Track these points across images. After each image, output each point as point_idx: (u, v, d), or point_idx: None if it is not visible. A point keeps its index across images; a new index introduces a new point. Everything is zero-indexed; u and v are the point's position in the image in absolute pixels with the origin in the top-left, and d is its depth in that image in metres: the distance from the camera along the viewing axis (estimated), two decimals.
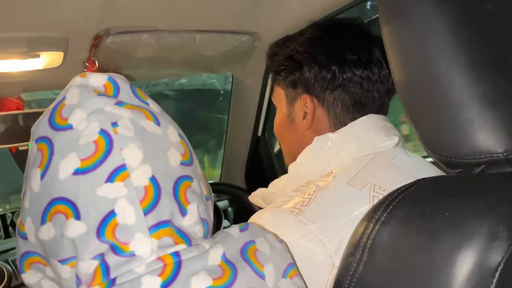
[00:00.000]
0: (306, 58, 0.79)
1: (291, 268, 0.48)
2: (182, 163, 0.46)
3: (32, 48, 0.94)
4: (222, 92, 1.96)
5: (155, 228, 0.42)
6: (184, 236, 0.44)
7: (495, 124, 0.42)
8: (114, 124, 0.43)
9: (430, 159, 0.53)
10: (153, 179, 0.43)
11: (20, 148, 1.19)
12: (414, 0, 0.46)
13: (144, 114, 0.46)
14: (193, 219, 0.45)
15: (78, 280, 0.43)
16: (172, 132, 0.47)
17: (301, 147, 0.80)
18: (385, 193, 0.65)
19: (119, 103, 0.45)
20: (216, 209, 1.40)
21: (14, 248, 1.35)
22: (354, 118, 0.78)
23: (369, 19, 1.24)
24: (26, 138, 1.16)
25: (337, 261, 0.63)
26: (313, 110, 0.79)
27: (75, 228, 0.41)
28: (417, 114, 0.47)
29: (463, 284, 0.37)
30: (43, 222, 0.43)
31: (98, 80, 0.46)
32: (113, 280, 0.40)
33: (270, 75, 1.42)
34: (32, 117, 1.16)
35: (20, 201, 0.47)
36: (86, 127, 0.43)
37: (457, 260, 0.37)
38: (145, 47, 1.09)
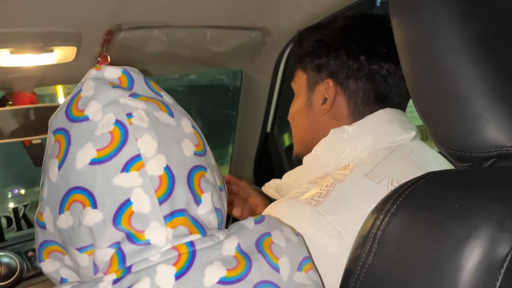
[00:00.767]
0: (336, 44, 0.80)
1: (307, 261, 0.48)
2: (195, 154, 0.47)
3: (46, 43, 0.96)
4: (231, 88, 1.97)
5: (170, 217, 0.43)
6: (199, 226, 0.44)
7: (504, 118, 0.42)
8: (129, 115, 0.44)
9: None
10: (167, 169, 0.44)
11: (34, 142, 1.20)
12: None
13: (158, 105, 0.47)
14: (208, 208, 0.46)
15: (96, 268, 0.43)
16: (185, 123, 0.48)
17: (314, 133, 0.81)
18: None
19: (134, 95, 0.46)
20: None
21: (26, 241, 1.37)
22: (373, 110, 0.78)
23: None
24: (39, 131, 1.18)
25: None
26: (334, 96, 0.79)
27: (92, 217, 0.42)
28: (427, 107, 0.48)
29: (471, 274, 0.38)
30: (61, 211, 0.44)
31: (113, 72, 0.47)
32: (129, 268, 0.41)
33: (280, 71, 1.43)
34: (45, 111, 1.18)
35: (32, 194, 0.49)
36: (101, 118, 0.44)
37: (465, 251, 0.38)
38: (156, 42, 1.10)
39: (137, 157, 0.43)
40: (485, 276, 0.37)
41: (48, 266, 0.48)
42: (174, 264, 0.41)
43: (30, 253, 1.29)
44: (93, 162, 0.42)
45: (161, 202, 0.43)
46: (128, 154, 0.43)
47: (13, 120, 1.17)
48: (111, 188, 0.42)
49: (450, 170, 0.48)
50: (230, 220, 1.41)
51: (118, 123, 0.43)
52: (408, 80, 0.50)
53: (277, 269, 0.44)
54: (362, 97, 0.79)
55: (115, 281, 0.40)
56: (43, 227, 0.47)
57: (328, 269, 0.57)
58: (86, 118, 0.44)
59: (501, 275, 0.37)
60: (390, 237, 0.44)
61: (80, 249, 0.44)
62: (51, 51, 1.00)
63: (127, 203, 0.42)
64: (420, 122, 0.51)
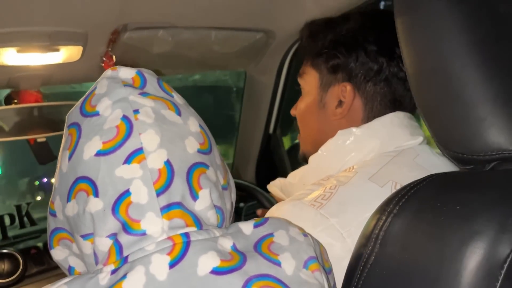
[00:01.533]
0: (356, 46, 0.77)
1: (313, 261, 0.47)
2: (199, 151, 0.48)
3: (52, 42, 0.96)
4: (235, 89, 1.98)
5: (166, 209, 0.44)
6: (195, 220, 0.45)
7: (507, 122, 0.43)
8: (136, 111, 0.46)
9: None
10: (167, 163, 0.45)
11: (38, 140, 1.21)
12: None
13: (166, 104, 0.49)
14: (205, 204, 0.46)
15: (96, 258, 0.45)
16: (192, 122, 0.50)
17: (325, 135, 0.79)
18: None
19: (144, 94, 0.48)
20: None
21: (29, 239, 1.38)
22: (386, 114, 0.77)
23: None
24: (44, 130, 1.19)
25: None
26: (352, 101, 0.78)
27: (94, 205, 0.44)
28: (430, 110, 0.48)
29: (472, 274, 0.38)
30: (68, 199, 0.46)
31: (127, 73, 0.50)
32: (126, 258, 0.43)
33: (283, 73, 1.44)
34: (51, 110, 1.19)
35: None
36: (110, 113, 0.46)
37: (467, 252, 0.39)
38: (162, 43, 1.11)
39: (139, 150, 0.45)
40: (486, 277, 0.38)
41: (58, 253, 0.50)
42: (169, 254, 0.42)
43: (33, 251, 1.30)
44: (99, 153, 0.45)
45: (158, 194, 0.44)
46: (131, 147, 0.45)
47: (18, 118, 1.18)
48: (112, 178, 0.44)
49: (452, 172, 0.49)
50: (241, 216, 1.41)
51: (124, 118, 0.46)
52: (411, 82, 0.51)
53: (277, 264, 0.44)
54: (379, 101, 0.78)
55: (113, 271, 0.42)
56: (54, 215, 0.49)
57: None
58: (97, 113, 0.47)
59: (502, 276, 0.37)
60: (392, 237, 0.45)
61: (84, 236, 0.46)
62: (57, 50, 1.00)
63: (126, 193, 0.44)
64: None
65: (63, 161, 0.48)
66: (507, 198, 0.40)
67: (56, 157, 1.28)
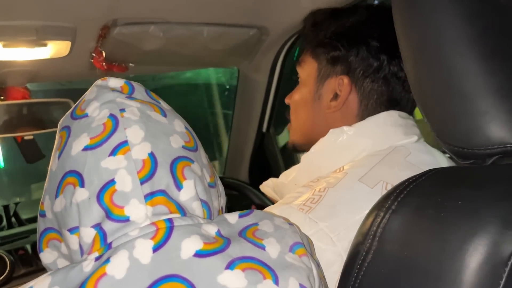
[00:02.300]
0: (358, 40, 0.76)
1: (299, 246, 0.47)
2: (184, 147, 0.49)
3: (40, 36, 0.94)
4: (227, 87, 1.97)
5: (150, 196, 0.45)
6: (179, 207, 0.46)
7: (509, 115, 0.42)
8: (122, 110, 0.48)
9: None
10: (151, 154, 0.46)
11: (26, 138, 1.19)
12: None
13: (153, 107, 0.51)
14: (190, 194, 0.47)
15: (81, 251, 0.46)
16: (177, 124, 0.51)
17: (317, 127, 0.79)
18: None
19: (131, 98, 0.51)
20: None
21: (16, 239, 1.35)
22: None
23: None
24: (32, 127, 1.16)
25: None
26: (347, 95, 0.76)
27: (80, 194, 0.45)
28: (429, 104, 0.47)
29: (475, 273, 0.37)
30: (57, 195, 0.47)
31: (116, 82, 0.52)
32: (109, 244, 0.43)
33: (277, 70, 1.43)
34: (38, 107, 1.16)
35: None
36: (98, 114, 0.48)
37: (469, 249, 0.37)
38: (153, 39, 1.09)
39: (124, 143, 0.46)
40: (489, 275, 0.37)
41: (46, 256, 0.50)
42: (152, 238, 0.43)
43: (20, 252, 1.27)
44: (86, 148, 0.46)
45: (142, 182, 0.45)
46: (116, 140, 0.46)
47: (5, 115, 1.15)
48: (98, 169, 0.45)
49: (452, 167, 0.47)
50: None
51: (111, 116, 0.48)
52: (410, 77, 0.49)
53: (262, 247, 0.45)
54: (375, 99, 0.76)
55: (96, 258, 0.43)
56: (43, 215, 0.50)
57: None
58: (85, 115, 0.49)
59: (506, 274, 0.36)
60: (391, 234, 0.43)
61: (71, 230, 0.46)
62: (45, 45, 0.98)
63: (111, 182, 0.45)
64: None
65: (53, 162, 0.49)
66: (510, 194, 0.39)
67: (44, 156, 1.26)
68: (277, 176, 0.87)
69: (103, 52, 1.08)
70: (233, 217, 0.49)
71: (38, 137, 1.22)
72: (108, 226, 0.44)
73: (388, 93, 0.76)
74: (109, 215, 0.44)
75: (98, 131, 0.47)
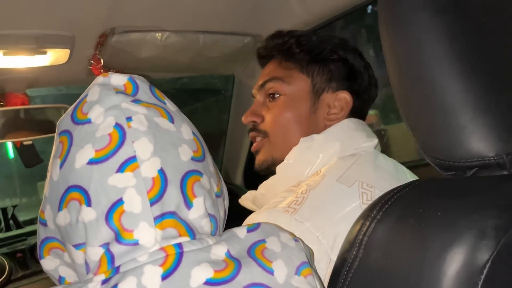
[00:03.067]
0: (347, 57, 0.85)
1: (305, 266, 0.47)
2: (193, 159, 0.48)
3: (39, 45, 0.96)
4: (223, 92, 1.98)
5: (160, 218, 0.44)
6: (189, 229, 0.45)
7: (487, 130, 0.44)
8: (129, 119, 0.46)
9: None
10: (161, 171, 0.45)
11: (25, 143, 1.20)
12: (412, 8, 0.47)
13: (159, 112, 0.48)
14: (199, 212, 0.46)
15: (87, 267, 0.44)
16: (185, 130, 0.49)
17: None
18: (373, 190, 0.70)
19: (136, 101, 0.48)
20: None
21: (15, 242, 1.36)
22: None
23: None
24: (30, 133, 1.18)
25: (334, 257, 0.64)
26: (351, 105, 0.84)
27: (87, 214, 0.43)
28: (413, 118, 0.49)
29: (452, 280, 0.39)
30: (60, 208, 0.45)
31: (119, 79, 0.49)
32: (117, 268, 0.42)
33: None
34: (37, 113, 1.18)
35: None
36: (103, 121, 0.45)
37: (447, 258, 0.39)
38: (149, 46, 1.11)
39: (132, 159, 0.44)
40: (466, 282, 0.39)
41: (48, 263, 0.49)
42: (161, 265, 0.41)
43: (18, 254, 1.28)
44: (91, 162, 0.44)
45: (152, 203, 0.43)
46: (124, 155, 0.44)
47: (4, 121, 1.17)
48: (105, 187, 0.43)
49: (434, 179, 0.50)
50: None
51: (117, 126, 0.45)
52: (395, 91, 0.51)
53: (270, 272, 0.44)
54: (352, 110, 0.84)
55: (103, 281, 0.41)
56: (44, 224, 0.48)
57: None
58: (88, 121, 0.46)
59: (481, 281, 0.38)
60: (376, 243, 0.46)
61: (76, 246, 0.45)
62: (44, 53, 1.00)
63: (119, 202, 0.43)
64: None
65: (54, 170, 0.47)
66: (486, 205, 0.41)
67: (42, 160, 1.27)
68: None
69: (101, 60, 1.10)
70: (242, 232, 0.48)
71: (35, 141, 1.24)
72: (116, 248, 0.43)
73: (360, 106, 0.86)
74: (118, 238, 0.43)
75: (104, 143, 0.44)
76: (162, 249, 0.43)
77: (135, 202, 0.43)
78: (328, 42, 0.86)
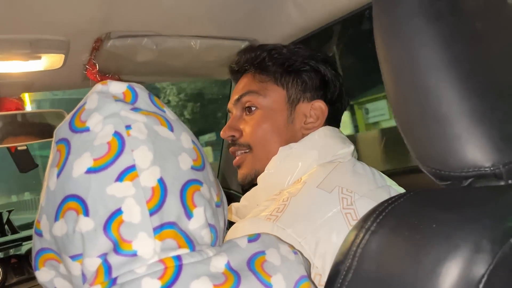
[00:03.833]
0: (320, 68, 0.89)
1: (304, 280, 0.46)
2: (192, 168, 0.47)
3: (34, 49, 0.95)
4: (220, 97, 1.98)
5: (159, 229, 0.43)
6: (188, 240, 0.44)
7: (483, 139, 0.43)
8: (128, 127, 0.45)
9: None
10: (161, 181, 0.44)
11: (19, 148, 1.19)
12: (407, 15, 0.47)
13: (159, 120, 0.47)
14: (199, 222, 0.45)
15: (84, 278, 0.43)
16: (185, 138, 0.49)
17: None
18: (352, 195, 0.72)
19: (135, 109, 0.47)
20: None
21: (9, 247, 1.35)
22: None
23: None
24: (25, 138, 1.17)
25: (316, 261, 0.65)
26: (326, 114, 0.87)
27: (84, 224, 0.42)
28: (408, 126, 0.49)
29: None
30: (56, 218, 0.44)
31: (117, 87, 0.48)
32: (114, 279, 0.41)
33: None
34: (31, 118, 1.17)
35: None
36: (101, 129, 0.45)
37: (442, 271, 0.38)
38: (145, 51, 1.10)
39: (131, 168, 0.43)
40: None
41: (43, 275, 0.48)
42: (160, 278, 0.40)
43: (13, 260, 1.28)
44: (89, 171, 0.43)
45: (151, 213, 0.43)
46: (123, 164, 0.43)
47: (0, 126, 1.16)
48: (104, 197, 0.42)
49: (429, 189, 0.49)
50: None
51: (116, 134, 0.44)
52: (391, 99, 0.51)
53: (269, 287, 0.44)
54: (326, 119, 0.87)
55: None
56: (40, 234, 0.47)
57: None
58: (87, 129, 0.45)
59: None
60: (370, 255, 0.45)
61: (73, 257, 0.44)
62: (39, 58, 0.99)
63: (118, 212, 0.42)
64: None
65: (50, 179, 0.45)
66: (482, 217, 0.40)
67: (37, 165, 1.27)
68: None
69: (97, 64, 1.10)
70: (243, 242, 0.48)
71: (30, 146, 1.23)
72: (114, 259, 0.42)
73: (335, 113, 0.90)
74: (116, 248, 0.42)
75: (103, 151, 0.43)
76: (161, 261, 0.42)
77: (134, 212, 0.42)
78: (298, 54, 0.88)
